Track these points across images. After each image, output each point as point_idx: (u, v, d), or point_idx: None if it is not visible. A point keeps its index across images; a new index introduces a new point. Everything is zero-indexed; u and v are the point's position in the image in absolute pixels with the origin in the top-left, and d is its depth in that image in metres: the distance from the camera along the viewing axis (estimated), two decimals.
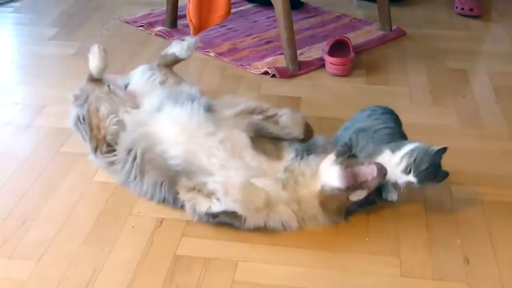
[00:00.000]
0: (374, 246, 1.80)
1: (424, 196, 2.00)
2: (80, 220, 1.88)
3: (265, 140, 1.93)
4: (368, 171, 1.77)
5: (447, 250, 1.79)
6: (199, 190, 1.80)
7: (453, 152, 2.18)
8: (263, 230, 1.84)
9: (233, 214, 1.77)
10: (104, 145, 2.02)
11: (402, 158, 1.84)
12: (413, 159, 1.82)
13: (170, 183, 1.86)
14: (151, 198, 1.92)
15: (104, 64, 2.21)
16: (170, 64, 2.35)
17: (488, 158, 2.20)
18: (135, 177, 1.93)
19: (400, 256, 1.76)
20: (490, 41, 3.19)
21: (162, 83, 2.23)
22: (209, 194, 1.78)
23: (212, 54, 2.91)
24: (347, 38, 2.88)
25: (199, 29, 2.79)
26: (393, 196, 1.94)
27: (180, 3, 3.12)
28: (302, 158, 1.88)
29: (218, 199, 1.75)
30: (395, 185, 1.89)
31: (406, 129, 2.13)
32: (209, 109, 1.99)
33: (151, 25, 3.19)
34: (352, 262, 1.75)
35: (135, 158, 1.93)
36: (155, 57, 2.76)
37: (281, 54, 2.82)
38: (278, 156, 1.90)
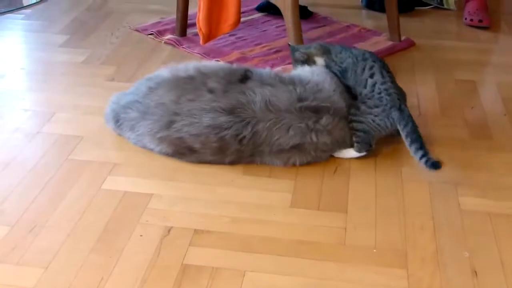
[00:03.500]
0: (381, 258, 1.80)
1: (431, 208, 2.00)
2: (88, 227, 1.89)
3: None
4: None
5: (455, 262, 1.79)
6: None
7: (461, 164, 2.19)
8: (271, 240, 1.85)
9: None
10: None
11: None
12: None
13: None
14: None
15: None
16: None
17: (497, 170, 2.20)
18: None
19: (407, 268, 1.76)
20: (499, 52, 3.18)
21: None
22: None
23: (221, 63, 2.91)
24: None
25: (208, 38, 2.80)
26: None
27: (190, 12, 3.14)
28: None
29: None
30: None
31: None
32: None
33: (160, 33, 3.21)
34: (359, 274, 1.75)
35: None
36: (165, 65, 2.78)
37: (290, 63, 2.82)
38: None
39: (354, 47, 2.29)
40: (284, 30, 2.94)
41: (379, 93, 2.16)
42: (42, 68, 2.90)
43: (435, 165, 2.11)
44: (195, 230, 1.88)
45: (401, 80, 2.77)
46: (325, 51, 2.33)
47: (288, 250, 1.82)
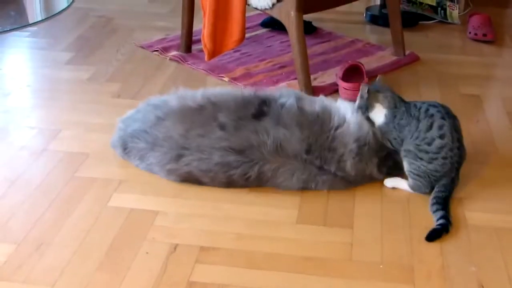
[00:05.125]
0: (388, 273, 1.80)
1: None
2: (94, 245, 1.89)
3: None
4: None
5: (462, 277, 1.78)
6: None
7: (467, 178, 2.18)
8: (277, 256, 1.85)
9: None
10: None
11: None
12: None
13: None
14: None
15: None
16: None
17: (503, 185, 2.19)
18: None
19: (414, 284, 1.76)
20: (504, 66, 3.18)
21: None
22: None
23: (226, 79, 2.92)
24: (360, 63, 2.89)
25: (213, 54, 2.81)
26: None
27: (194, 28, 3.15)
28: None
29: None
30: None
31: None
32: None
33: (165, 49, 3.22)
34: None
35: None
36: (170, 82, 2.79)
37: (295, 79, 2.83)
38: None
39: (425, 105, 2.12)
40: (289, 45, 2.95)
41: (444, 157, 2.05)
42: (47, 85, 2.91)
43: (446, 227, 1.96)
44: (201, 247, 1.88)
45: (406, 95, 2.76)
46: (394, 106, 2.13)
47: (295, 266, 1.82)
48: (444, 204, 2.03)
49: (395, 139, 2.11)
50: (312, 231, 1.96)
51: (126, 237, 1.92)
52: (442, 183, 2.07)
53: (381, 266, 1.82)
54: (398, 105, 2.13)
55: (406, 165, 2.11)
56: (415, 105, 2.11)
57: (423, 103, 2.12)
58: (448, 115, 2.09)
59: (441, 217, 1.98)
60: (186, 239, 1.91)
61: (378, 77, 2.24)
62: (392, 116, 2.12)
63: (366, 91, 2.16)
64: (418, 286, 1.75)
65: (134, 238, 1.91)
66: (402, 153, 2.11)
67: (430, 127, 2.05)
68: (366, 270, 1.81)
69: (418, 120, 2.07)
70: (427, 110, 2.08)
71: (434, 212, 2.02)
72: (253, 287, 1.74)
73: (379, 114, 2.15)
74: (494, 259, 1.85)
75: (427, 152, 2.05)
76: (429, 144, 2.05)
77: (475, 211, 2.05)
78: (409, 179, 2.12)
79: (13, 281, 1.75)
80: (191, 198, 2.11)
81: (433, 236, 1.94)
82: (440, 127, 2.05)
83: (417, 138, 2.06)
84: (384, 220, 2.01)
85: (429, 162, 2.05)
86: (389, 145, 2.14)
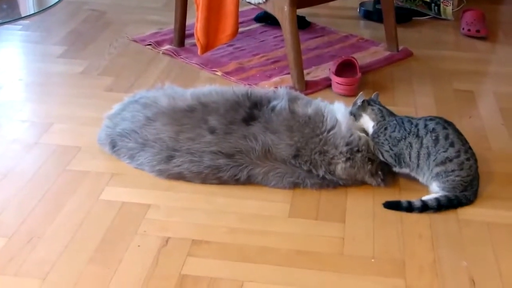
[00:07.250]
0: (379, 268, 1.80)
1: (429, 217, 2.00)
2: (86, 238, 1.88)
3: None
4: None
5: (453, 271, 1.79)
6: None
7: None
8: (269, 250, 1.85)
9: None
10: None
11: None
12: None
13: None
14: None
15: None
16: None
17: (495, 180, 2.20)
18: None
19: (405, 278, 1.76)
20: (497, 62, 3.19)
21: None
22: None
23: (219, 73, 2.92)
24: (353, 58, 2.89)
25: (206, 48, 2.80)
26: None
27: (187, 22, 3.14)
28: None
29: None
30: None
31: None
32: None
33: (158, 43, 3.21)
34: (357, 284, 1.74)
35: None
36: (163, 76, 2.78)
37: (288, 73, 2.83)
38: None
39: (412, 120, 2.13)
40: (282, 40, 2.95)
41: (467, 159, 2.03)
42: (40, 79, 2.90)
43: (409, 208, 2.02)
44: (193, 240, 1.88)
45: (399, 90, 2.79)
46: (380, 121, 2.14)
47: (287, 260, 1.82)
48: (446, 205, 2.03)
49: (387, 151, 2.10)
50: (304, 225, 1.96)
51: (118, 231, 1.92)
52: (473, 190, 2.07)
53: (372, 260, 1.82)
54: (387, 117, 2.14)
55: (438, 185, 2.06)
56: (409, 121, 2.11)
57: (418, 119, 2.11)
58: (447, 123, 2.08)
59: (423, 200, 2.03)
60: (178, 233, 1.91)
61: (374, 94, 2.25)
62: (382, 128, 2.12)
63: (361, 100, 2.17)
64: (409, 280, 1.75)
65: (126, 232, 1.91)
66: (430, 178, 2.07)
67: (436, 140, 2.03)
68: (357, 264, 1.81)
69: (418, 136, 2.05)
70: (426, 125, 2.06)
71: (431, 197, 2.04)
72: (245, 280, 1.74)
73: (366, 125, 2.17)
74: (485, 254, 1.86)
75: (451, 160, 2.03)
76: (445, 151, 2.03)
77: (467, 206, 2.05)
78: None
79: (4, 274, 1.74)
80: (184, 191, 2.10)
81: (392, 205, 2.03)
82: (446, 137, 2.04)
83: (429, 154, 2.04)
84: (376, 215, 2.01)
85: (461, 169, 2.03)
86: (380, 157, 2.12)
